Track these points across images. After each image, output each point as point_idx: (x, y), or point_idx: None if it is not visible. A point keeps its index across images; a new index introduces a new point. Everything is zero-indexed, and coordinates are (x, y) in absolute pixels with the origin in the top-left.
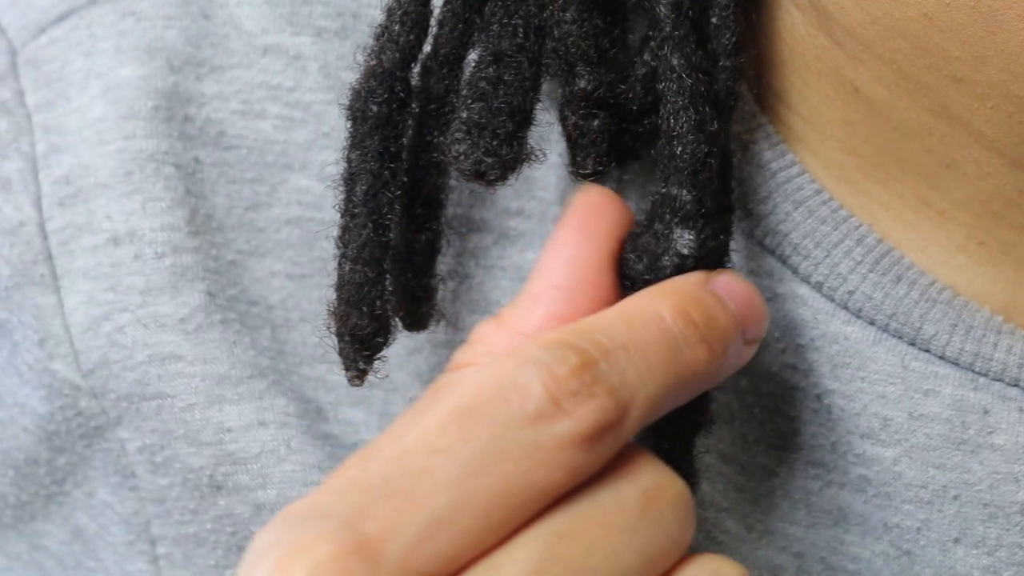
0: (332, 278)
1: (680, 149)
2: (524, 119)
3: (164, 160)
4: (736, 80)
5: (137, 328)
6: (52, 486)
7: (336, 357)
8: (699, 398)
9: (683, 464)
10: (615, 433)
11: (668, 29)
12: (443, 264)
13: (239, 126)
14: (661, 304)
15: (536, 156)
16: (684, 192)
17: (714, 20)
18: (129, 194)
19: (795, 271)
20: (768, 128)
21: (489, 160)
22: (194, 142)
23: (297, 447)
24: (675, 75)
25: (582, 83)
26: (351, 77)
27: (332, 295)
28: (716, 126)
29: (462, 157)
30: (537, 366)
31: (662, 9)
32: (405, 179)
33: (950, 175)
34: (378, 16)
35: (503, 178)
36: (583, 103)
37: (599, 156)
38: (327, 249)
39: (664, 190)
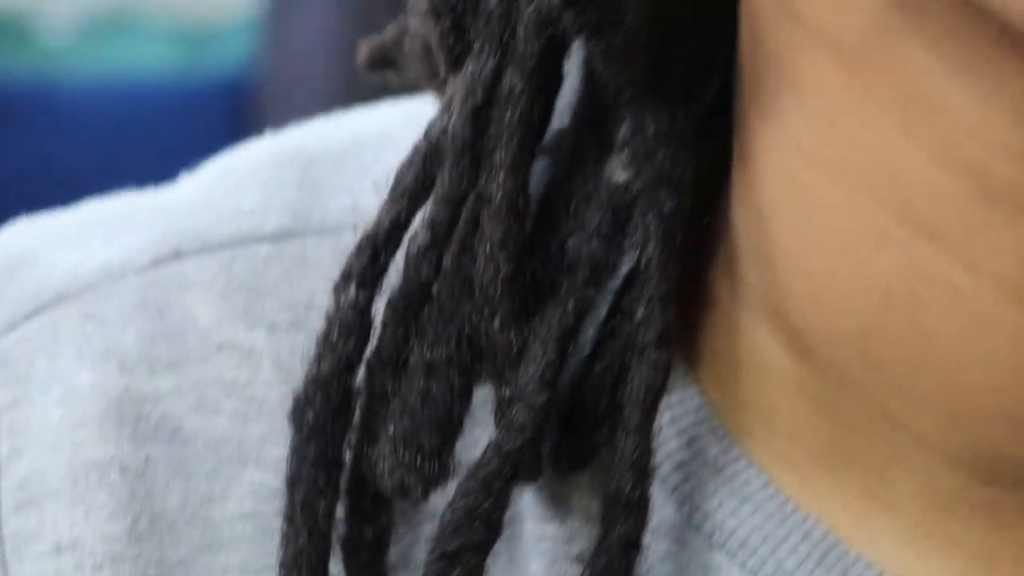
0: None
1: None
2: (451, 433)
3: (110, 466)
4: (661, 376)
5: None
6: None
7: None
8: None
9: None
10: None
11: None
12: (394, 554)
13: (194, 420)
14: None
15: (459, 471)
16: None
17: (639, 314)
18: (74, 503)
19: (743, 566)
20: (714, 421)
21: (412, 478)
22: (147, 440)
23: None
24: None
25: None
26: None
27: None
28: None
29: (386, 475)
30: None
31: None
32: (348, 480)
33: (895, 470)
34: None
35: (425, 496)
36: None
37: None
38: None
39: None
